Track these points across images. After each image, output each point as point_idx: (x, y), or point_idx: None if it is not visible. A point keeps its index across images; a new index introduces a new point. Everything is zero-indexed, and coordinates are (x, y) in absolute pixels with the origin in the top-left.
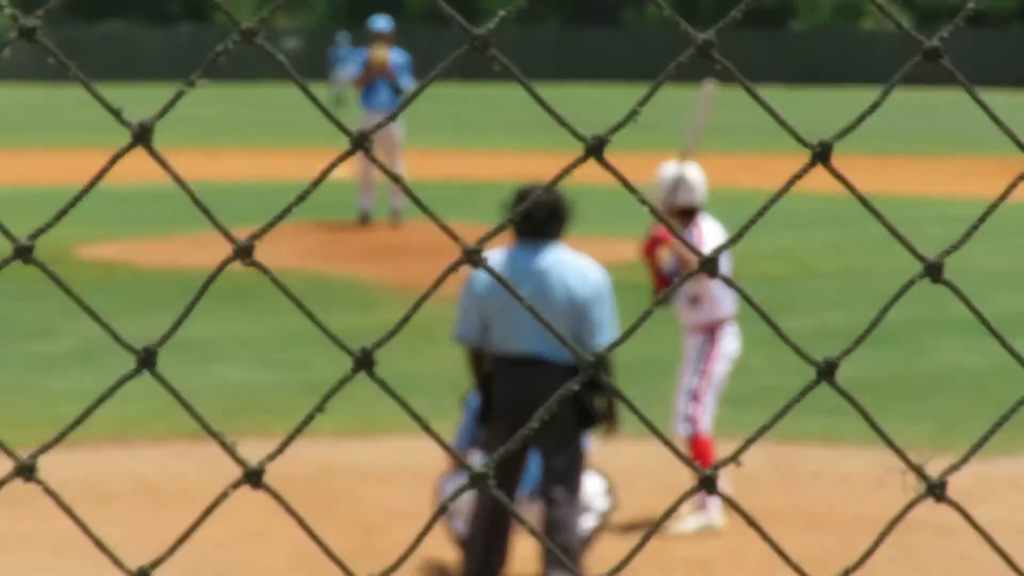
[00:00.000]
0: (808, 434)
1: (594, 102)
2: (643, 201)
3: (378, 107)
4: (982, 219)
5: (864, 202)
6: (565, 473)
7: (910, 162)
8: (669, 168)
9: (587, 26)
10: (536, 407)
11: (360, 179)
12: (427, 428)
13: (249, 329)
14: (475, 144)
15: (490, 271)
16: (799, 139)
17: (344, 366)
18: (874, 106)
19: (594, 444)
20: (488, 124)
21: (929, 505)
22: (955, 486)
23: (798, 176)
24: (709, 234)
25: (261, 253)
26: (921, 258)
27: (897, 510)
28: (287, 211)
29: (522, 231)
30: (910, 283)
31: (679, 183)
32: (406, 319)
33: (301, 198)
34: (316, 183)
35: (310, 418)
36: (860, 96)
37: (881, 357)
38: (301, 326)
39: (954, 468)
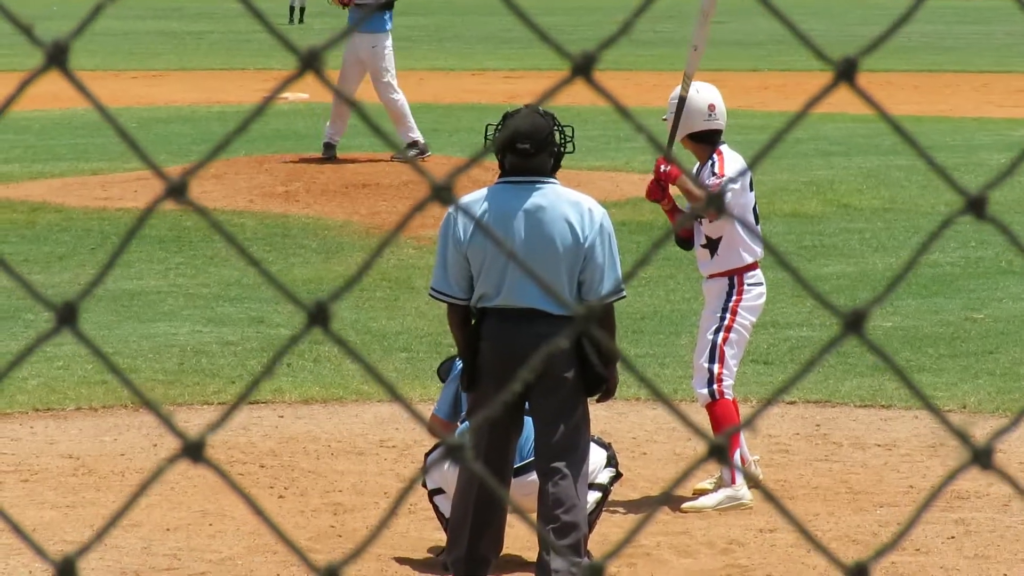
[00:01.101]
0: (849, 396)
1: (613, 9)
2: (639, 128)
3: (367, 27)
4: None
5: (897, 128)
6: (568, 444)
7: (967, 78)
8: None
9: None
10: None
11: (333, 105)
12: (393, 392)
13: (197, 280)
14: (458, 62)
15: (462, 209)
16: (820, 54)
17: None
18: (906, 15)
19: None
20: (474, 37)
21: (994, 477)
22: None
23: (818, 98)
24: (732, 165)
25: (210, 191)
26: (963, 192)
27: (955, 482)
28: (225, 143)
29: (510, 167)
30: (947, 221)
31: (683, 106)
32: (366, 267)
33: (241, 128)
34: (258, 111)
35: (255, 383)
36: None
37: (934, 306)
38: (255, 276)
39: (1002, 433)
